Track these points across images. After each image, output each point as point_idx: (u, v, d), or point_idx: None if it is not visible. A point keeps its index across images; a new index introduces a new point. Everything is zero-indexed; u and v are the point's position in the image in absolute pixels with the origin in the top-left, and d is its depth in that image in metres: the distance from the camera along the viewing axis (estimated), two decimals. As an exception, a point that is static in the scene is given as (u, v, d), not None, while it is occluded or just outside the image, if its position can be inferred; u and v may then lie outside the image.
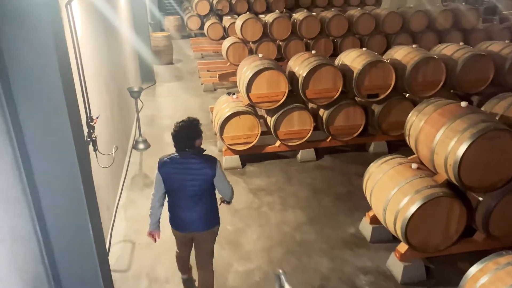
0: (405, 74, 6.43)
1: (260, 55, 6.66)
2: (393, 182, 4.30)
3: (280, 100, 6.33)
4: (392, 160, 4.63)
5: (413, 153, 4.77)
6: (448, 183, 4.14)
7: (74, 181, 2.65)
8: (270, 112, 6.59)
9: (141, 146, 7.34)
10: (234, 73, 10.58)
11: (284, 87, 6.27)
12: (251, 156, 6.74)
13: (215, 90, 10.60)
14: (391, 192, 4.23)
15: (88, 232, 2.80)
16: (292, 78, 6.55)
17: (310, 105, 6.84)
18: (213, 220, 3.61)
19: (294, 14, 12.13)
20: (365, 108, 6.77)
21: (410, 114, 4.68)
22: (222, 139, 6.39)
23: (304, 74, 6.23)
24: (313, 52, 6.79)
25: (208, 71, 11.38)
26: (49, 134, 2.53)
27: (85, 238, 2.85)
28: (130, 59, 8.99)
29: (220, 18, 15.16)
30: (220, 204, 3.72)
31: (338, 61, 6.88)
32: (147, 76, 11.01)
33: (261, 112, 7.05)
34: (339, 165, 6.60)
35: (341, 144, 6.93)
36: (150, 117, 8.77)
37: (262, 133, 6.59)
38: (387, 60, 6.53)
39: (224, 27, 13.70)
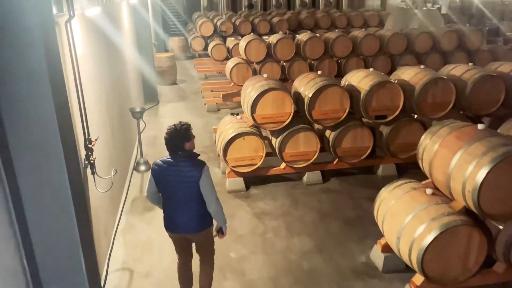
0: (414, 95, 6.26)
1: (265, 75, 6.53)
2: (407, 209, 4.06)
3: (285, 121, 6.15)
4: (405, 184, 4.40)
5: (426, 177, 4.55)
6: (466, 210, 3.90)
7: (66, 211, 2.44)
8: (275, 133, 6.40)
9: (142, 167, 7.14)
10: (238, 94, 10.47)
11: (289, 108, 6.10)
12: (255, 179, 6.52)
13: (218, 110, 10.47)
14: (405, 219, 3.98)
15: (80, 264, 2.58)
16: (297, 98, 6.39)
17: (316, 126, 6.66)
18: (205, 222, 3.61)
19: (297, 35, 12.11)
20: (373, 130, 6.58)
21: (423, 137, 4.48)
22: (226, 161, 6.19)
23: (310, 95, 6.07)
24: (319, 72, 6.65)
25: (211, 91, 11.29)
26: (40, 159, 2.34)
27: (76, 269, 2.62)
28: (133, 79, 8.90)
29: (224, 39, 15.21)
30: (215, 236, 3.71)
31: (344, 81, 6.74)
32: (150, 96, 10.91)
33: (266, 133, 6.87)
34: (346, 188, 6.36)
35: (348, 167, 6.70)
36: (152, 137, 8.60)
37: (267, 154, 6.38)
38: (395, 81, 6.37)
39: (228, 48, 13.71)
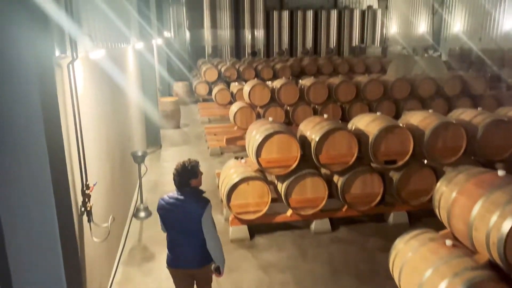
0: (424, 139, 6.09)
1: (270, 119, 6.41)
2: (426, 262, 3.73)
3: (291, 165, 5.94)
4: (422, 235, 4.10)
5: (441, 226, 4.26)
6: (490, 264, 3.58)
7: (55, 267, 2.18)
8: (281, 178, 6.17)
9: (142, 214, 6.85)
10: (241, 137, 10.36)
11: (296, 152, 5.92)
12: (260, 226, 6.20)
13: (222, 154, 10.30)
14: (425, 274, 3.65)
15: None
16: (304, 142, 6.22)
17: (323, 171, 6.44)
18: (208, 258, 3.63)
19: (301, 80, 12.22)
20: (382, 175, 6.34)
21: (438, 184, 4.24)
22: (229, 207, 5.91)
23: (317, 139, 5.91)
24: (325, 116, 6.54)
25: (215, 135, 11.20)
26: (30, 209, 2.12)
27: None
28: (137, 123, 8.82)
29: (228, 85, 15.39)
30: (212, 273, 3.71)
31: (351, 125, 6.60)
32: (153, 140, 10.81)
33: (271, 177, 6.63)
34: (357, 238, 6.01)
35: (358, 214, 6.40)
36: (153, 182, 8.36)
37: (272, 200, 6.11)
38: (403, 125, 6.23)
39: (231, 93, 13.81)
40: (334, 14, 27.99)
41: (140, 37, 9.71)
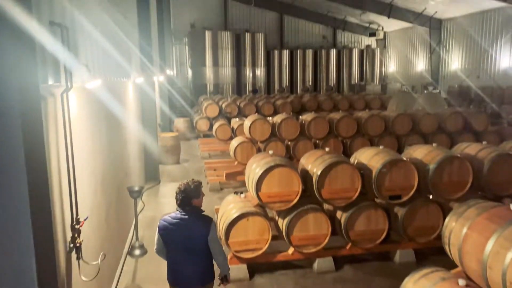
0: (429, 174, 5.92)
1: (271, 152, 6.27)
2: (439, 304, 3.46)
3: (293, 200, 5.73)
4: (432, 274, 3.83)
5: (450, 265, 4.01)
6: (509, 307, 3.30)
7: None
8: (282, 214, 5.94)
9: (137, 252, 6.56)
10: (241, 172, 10.17)
11: (297, 186, 5.73)
12: (260, 265, 5.90)
13: (221, 189, 10.08)
14: (439, 318, 3.37)
15: None
16: (305, 176, 6.04)
17: (326, 207, 6.22)
18: (211, 275, 3.85)
19: (301, 116, 12.21)
20: (387, 211, 6.11)
21: (448, 219, 4.03)
22: (228, 244, 5.64)
23: (319, 172, 5.74)
24: (327, 149, 6.41)
25: (214, 170, 11.03)
26: (7, 249, 1.94)
27: None
28: (135, 157, 8.69)
29: (229, 120, 15.41)
30: (219, 285, 3.92)
31: (354, 159, 6.45)
32: (152, 175, 10.63)
33: (271, 214, 6.39)
34: (363, 279, 5.69)
35: (362, 252, 6.10)
36: (150, 219, 8.10)
37: (273, 237, 5.84)
38: (407, 159, 6.08)
39: (232, 128, 13.78)
40: (333, 53, 28.59)
41: (142, 73, 9.79)
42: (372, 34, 28.93)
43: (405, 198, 5.95)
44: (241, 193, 6.36)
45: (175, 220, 3.66)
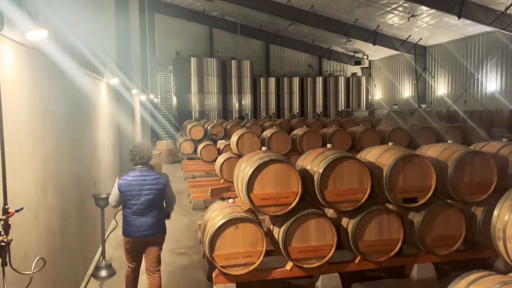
0: (447, 173, 5.10)
1: (264, 148, 5.38)
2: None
3: (291, 203, 4.78)
4: (485, 278, 2.91)
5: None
6: None
7: None
8: (278, 221, 4.97)
9: (103, 273, 5.44)
10: (228, 189, 9.22)
11: (296, 186, 4.80)
12: (252, 284, 4.84)
13: (206, 208, 9.01)
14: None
15: None
16: (305, 177, 5.12)
17: (329, 212, 5.29)
18: (163, 226, 4.36)
19: (293, 131, 11.45)
20: (400, 217, 5.21)
21: (498, 208, 3.18)
22: (213, 258, 4.60)
23: (321, 170, 4.84)
24: (329, 145, 5.56)
25: (199, 187, 10.01)
26: None
27: None
28: (109, 170, 7.66)
29: (214, 142, 14.54)
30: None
31: (360, 158, 5.59)
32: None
33: (265, 223, 5.41)
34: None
35: (373, 267, 5.12)
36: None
37: (267, 252, 4.83)
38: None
39: (218, 149, 12.91)
40: (319, 81, 28.50)
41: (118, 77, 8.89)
42: (358, 62, 29.04)
43: (421, 201, 5.08)
44: (229, 198, 5.37)
45: (137, 176, 4.12)
